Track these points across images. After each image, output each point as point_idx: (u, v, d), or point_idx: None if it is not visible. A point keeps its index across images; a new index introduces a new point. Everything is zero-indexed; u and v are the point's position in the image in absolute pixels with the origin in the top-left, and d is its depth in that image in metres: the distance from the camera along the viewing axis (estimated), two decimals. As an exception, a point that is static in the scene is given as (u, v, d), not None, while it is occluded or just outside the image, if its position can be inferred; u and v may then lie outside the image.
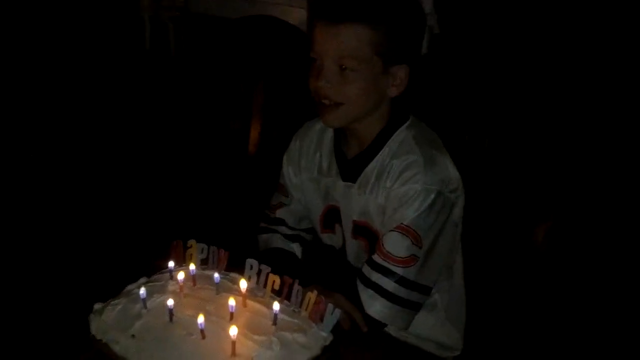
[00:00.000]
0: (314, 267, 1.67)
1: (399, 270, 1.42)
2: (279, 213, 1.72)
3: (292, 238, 1.71)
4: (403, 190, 1.44)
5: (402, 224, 1.43)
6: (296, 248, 1.70)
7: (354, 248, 1.59)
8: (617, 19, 1.97)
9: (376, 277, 1.43)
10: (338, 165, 1.57)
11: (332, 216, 1.61)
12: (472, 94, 2.11)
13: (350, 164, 1.54)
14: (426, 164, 1.44)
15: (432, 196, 1.43)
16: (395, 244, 1.43)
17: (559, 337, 1.62)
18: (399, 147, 1.49)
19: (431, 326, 1.56)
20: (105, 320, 1.26)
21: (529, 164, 1.70)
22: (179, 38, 2.96)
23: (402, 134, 1.51)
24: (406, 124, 1.52)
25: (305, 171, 1.64)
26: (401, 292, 1.43)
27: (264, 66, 2.41)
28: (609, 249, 1.67)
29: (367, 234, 1.54)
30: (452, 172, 1.48)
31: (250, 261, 1.34)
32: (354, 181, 1.53)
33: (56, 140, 2.66)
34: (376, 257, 1.44)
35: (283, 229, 1.71)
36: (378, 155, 1.50)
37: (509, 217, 1.65)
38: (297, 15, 2.62)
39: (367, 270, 1.45)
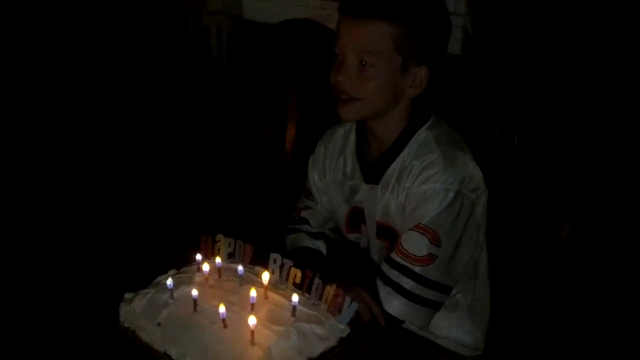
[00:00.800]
0: (338, 264, 1.70)
1: (417, 269, 1.44)
2: (304, 214, 1.76)
3: (316, 236, 1.74)
4: (422, 189, 1.46)
5: (420, 223, 1.44)
6: (321, 245, 1.73)
7: (377, 248, 1.61)
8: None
9: (394, 275, 1.46)
10: (361, 168, 1.60)
11: (357, 217, 1.64)
12: (504, 93, 2.11)
13: (373, 167, 1.57)
14: (445, 163, 1.45)
15: (451, 195, 1.44)
16: (414, 243, 1.45)
17: (581, 336, 1.61)
18: (420, 148, 1.50)
19: (453, 325, 1.56)
20: (134, 309, 1.32)
21: (556, 162, 1.70)
22: (220, 42, 3.01)
23: (422, 135, 1.52)
24: (427, 125, 1.53)
25: (330, 174, 1.67)
26: (419, 290, 1.45)
27: (301, 69, 2.45)
28: (631, 247, 1.65)
29: (389, 235, 1.56)
30: (473, 170, 1.48)
31: (274, 255, 1.38)
32: (377, 183, 1.55)
33: (99, 138, 2.75)
34: (395, 256, 1.47)
35: (307, 227, 1.75)
36: (399, 157, 1.52)
37: (536, 213, 1.65)
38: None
39: (386, 268, 1.48)
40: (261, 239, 1.45)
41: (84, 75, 2.82)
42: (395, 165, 1.52)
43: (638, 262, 1.66)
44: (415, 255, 1.44)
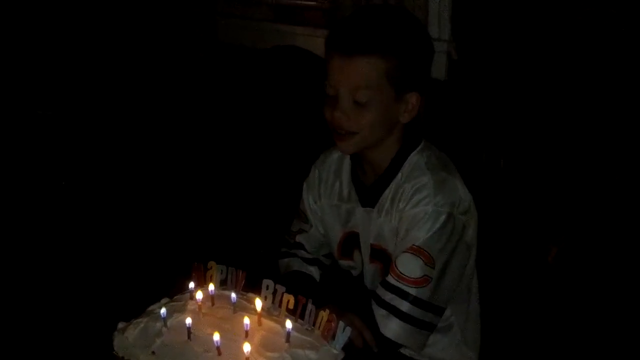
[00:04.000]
0: (331, 290, 1.70)
1: (412, 291, 1.45)
2: (299, 238, 1.76)
3: (310, 262, 1.75)
4: (414, 212, 1.48)
5: (414, 245, 1.46)
6: (315, 271, 1.74)
7: (370, 273, 1.63)
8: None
9: (390, 298, 1.47)
10: (357, 192, 1.61)
11: (351, 242, 1.65)
12: (489, 117, 2.14)
13: (369, 190, 1.59)
14: (436, 187, 1.48)
15: (443, 217, 1.46)
16: (408, 265, 1.46)
17: (571, 354, 1.62)
18: (412, 171, 1.53)
19: (446, 347, 1.58)
20: (128, 338, 1.32)
21: (542, 184, 1.72)
22: (207, 67, 3.04)
23: (414, 158, 1.55)
24: (418, 148, 1.56)
25: (325, 198, 1.69)
26: (415, 312, 1.46)
27: (289, 95, 2.48)
28: (618, 266, 1.67)
29: (383, 257, 1.57)
30: (463, 194, 1.51)
31: (266, 281, 1.39)
32: (372, 206, 1.57)
33: (90, 167, 2.75)
34: (390, 278, 1.48)
35: (302, 252, 1.76)
36: (393, 181, 1.55)
37: (523, 235, 1.67)
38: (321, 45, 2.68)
39: (381, 291, 1.49)
40: (253, 265, 1.46)
41: (83, 86, 2.83)
42: (390, 189, 1.54)
43: (624, 280, 1.68)
44: (410, 277, 1.45)
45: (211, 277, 1.45)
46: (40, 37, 2.87)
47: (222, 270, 1.45)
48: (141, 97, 2.95)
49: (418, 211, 1.47)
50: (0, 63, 2.78)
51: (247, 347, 1.22)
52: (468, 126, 2.24)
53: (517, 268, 1.64)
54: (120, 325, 1.36)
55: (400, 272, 1.46)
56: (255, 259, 1.43)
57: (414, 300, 1.46)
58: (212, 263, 1.46)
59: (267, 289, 1.38)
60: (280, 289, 1.37)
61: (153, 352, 1.28)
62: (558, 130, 1.97)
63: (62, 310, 1.46)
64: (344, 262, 1.68)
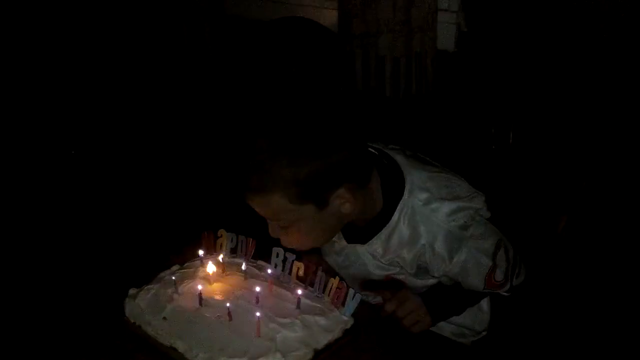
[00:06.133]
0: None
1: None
2: None
3: None
4: (458, 267, 1.40)
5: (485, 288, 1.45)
6: None
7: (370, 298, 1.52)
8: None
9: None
10: (342, 230, 1.46)
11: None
12: (498, 90, 2.13)
13: (358, 231, 1.45)
14: (453, 230, 1.38)
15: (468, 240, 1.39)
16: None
17: (578, 323, 1.64)
18: (418, 225, 1.39)
19: (469, 314, 1.57)
20: (139, 304, 1.33)
21: (551, 158, 1.73)
22: (214, 39, 3.03)
23: (408, 208, 1.39)
24: (405, 195, 1.39)
25: None
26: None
27: (296, 67, 2.47)
28: (623, 238, 1.68)
29: (389, 284, 1.48)
30: (475, 199, 1.42)
31: (276, 249, 1.40)
32: (363, 242, 1.45)
33: (100, 136, 2.76)
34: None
35: None
36: (387, 230, 1.41)
37: (532, 207, 1.68)
38: (328, 16, 2.67)
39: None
40: (263, 233, 1.46)
41: (87, 76, 2.84)
42: (383, 233, 1.42)
43: (634, 254, 1.69)
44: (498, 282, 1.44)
45: (221, 245, 1.46)
46: (47, 20, 2.87)
47: (232, 239, 1.46)
48: (147, 72, 2.94)
49: (460, 263, 1.39)
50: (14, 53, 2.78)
51: (258, 313, 1.23)
52: (477, 99, 2.24)
53: (526, 241, 1.64)
54: (132, 291, 1.37)
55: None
56: (265, 228, 1.43)
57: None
58: (222, 231, 1.47)
59: (277, 256, 1.40)
60: (290, 257, 1.38)
61: (164, 318, 1.29)
62: (567, 103, 1.96)
63: (74, 277, 1.47)
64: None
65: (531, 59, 2.13)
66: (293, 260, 1.38)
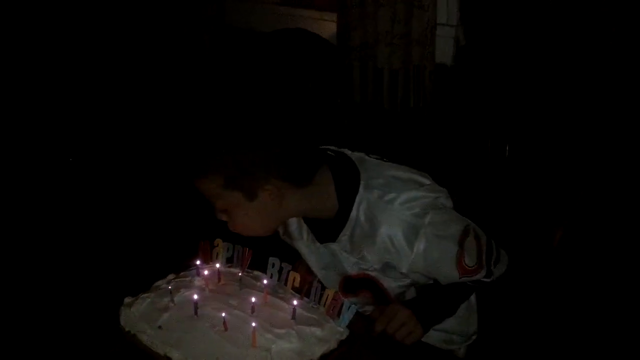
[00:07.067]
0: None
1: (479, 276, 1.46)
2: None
3: None
4: (420, 256, 1.40)
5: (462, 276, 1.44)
6: None
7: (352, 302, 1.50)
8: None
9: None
10: (313, 232, 1.51)
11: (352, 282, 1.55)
12: (495, 103, 2.14)
13: (326, 229, 1.48)
14: (411, 215, 1.39)
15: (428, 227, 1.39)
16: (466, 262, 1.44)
17: (574, 335, 1.64)
18: (376, 217, 1.41)
19: (451, 319, 1.56)
20: (134, 313, 1.33)
21: (547, 171, 1.73)
22: (214, 50, 3.05)
23: (364, 202, 1.42)
24: (361, 190, 1.42)
25: (281, 235, 1.61)
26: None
27: (296, 78, 2.48)
28: (619, 250, 1.69)
29: (369, 285, 1.50)
30: (430, 188, 1.44)
31: (272, 259, 1.40)
32: (333, 240, 1.48)
33: (98, 144, 2.77)
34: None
35: None
36: (349, 226, 1.43)
37: (527, 220, 1.68)
38: (327, 28, 2.69)
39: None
40: (259, 243, 1.47)
41: (88, 83, 2.85)
42: (347, 229, 1.44)
43: (625, 263, 1.69)
44: (470, 267, 1.44)
45: (217, 254, 1.47)
46: (49, 21, 2.88)
47: (228, 248, 1.47)
48: (147, 82, 2.95)
49: (420, 252, 1.40)
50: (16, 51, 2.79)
51: (253, 323, 1.23)
52: (474, 113, 2.24)
53: (520, 250, 1.65)
54: (127, 300, 1.37)
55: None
56: (261, 238, 1.43)
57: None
58: (218, 240, 1.47)
59: (273, 266, 1.40)
60: (286, 267, 1.39)
61: (160, 327, 1.29)
62: (563, 118, 1.97)
63: (70, 285, 1.47)
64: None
65: (528, 72, 2.14)
66: (289, 271, 1.38)
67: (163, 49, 3.05)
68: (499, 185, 1.81)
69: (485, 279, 1.47)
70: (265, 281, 1.38)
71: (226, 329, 1.26)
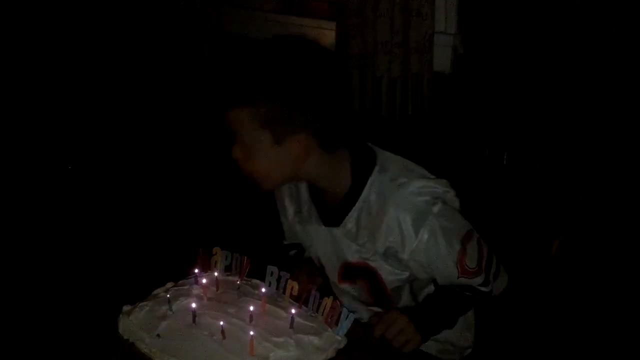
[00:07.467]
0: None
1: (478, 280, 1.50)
2: (286, 240, 1.75)
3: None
4: (421, 246, 1.44)
5: (460, 276, 1.47)
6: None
7: (349, 291, 1.58)
8: None
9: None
10: (318, 212, 1.55)
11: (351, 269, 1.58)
12: (493, 112, 2.15)
13: (332, 211, 1.52)
14: (414, 210, 1.44)
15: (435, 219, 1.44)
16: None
17: (568, 339, 1.64)
18: (379, 200, 1.46)
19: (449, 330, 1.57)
20: (133, 321, 1.33)
21: (545, 180, 1.74)
22: (213, 58, 3.05)
23: (377, 183, 1.47)
24: (376, 172, 1.48)
25: (291, 216, 1.64)
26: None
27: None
28: (617, 259, 1.69)
29: (366, 274, 1.53)
30: (439, 184, 1.48)
31: (270, 268, 1.41)
32: (337, 225, 1.51)
33: (96, 153, 2.77)
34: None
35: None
36: (356, 204, 1.48)
37: (525, 229, 1.69)
38: (326, 37, 2.69)
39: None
40: (258, 251, 1.47)
41: (87, 92, 2.85)
42: (354, 211, 1.48)
43: (623, 272, 1.69)
44: (470, 268, 1.47)
45: (216, 262, 1.47)
46: (46, 28, 2.89)
47: (227, 256, 1.47)
48: (146, 88, 2.96)
49: (422, 243, 1.44)
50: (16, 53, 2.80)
51: (251, 331, 1.24)
52: (472, 121, 2.25)
53: (518, 258, 1.65)
54: (126, 308, 1.37)
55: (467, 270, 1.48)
56: (259, 246, 1.44)
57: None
58: (217, 249, 1.47)
59: (272, 275, 1.40)
60: (284, 275, 1.39)
61: (158, 335, 1.29)
62: (562, 126, 1.98)
63: (69, 293, 1.48)
64: (345, 286, 1.60)
65: (526, 80, 2.15)
66: (287, 279, 1.38)
67: (164, 56, 3.06)
68: (496, 193, 1.82)
69: (483, 288, 1.49)
70: (263, 289, 1.38)
71: (224, 338, 1.26)
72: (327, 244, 1.55)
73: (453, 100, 2.35)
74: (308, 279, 1.54)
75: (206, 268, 1.46)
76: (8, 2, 2.84)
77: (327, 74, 1.42)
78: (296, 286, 1.37)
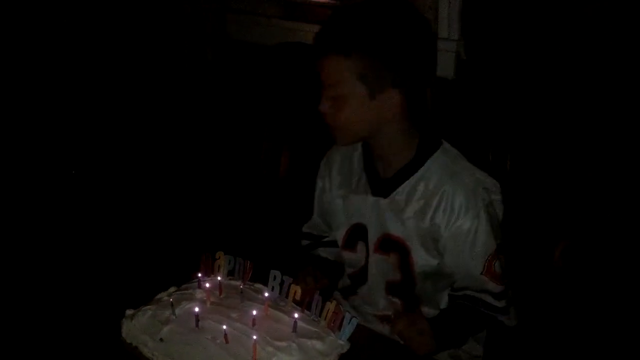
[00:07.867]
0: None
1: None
2: (305, 227, 1.81)
3: (316, 246, 1.79)
4: (461, 230, 1.51)
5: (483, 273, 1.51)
6: (323, 251, 1.78)
7: (376, 263, 1.62)
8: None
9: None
10: (369, 181, 1.61)
11: (356, 234, 1.65)
12: (496, 117, 2.15)
13: (385, 182, 1.58)
14: (469, 189, 1.51)
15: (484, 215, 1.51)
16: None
17: (573, 346, 1.64)
18: (446, 174, 1.53)
19: None
20: (136, 325, 1.33)
21: (549, 185, 1.74)
22: (217, 63, 3.06)
23: (439, 159, 1.55)
24: (440, 150, 1.56)
25: (335, 188, 1.69)
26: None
27: (296, 92, 2.49)
28: (622, 265, 1.68)
29: (397, 248, 1.57)
30: (486, 179, 1.55)
31: (273, 272, 1.41)
32: (385, 197, 1.57)
33: (99, 157, 2.78)
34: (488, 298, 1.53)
35: (305, 241, 1.81)
36: (412, 177, 1.55)
37: (530, 234, 1.69)
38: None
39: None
40: (261, 256, 1.47)
41: (88, 96, 2.86)
42: (407, 184, 1.55)
43: (627, 278, 1.69)
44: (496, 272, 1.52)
45: (219, 267, 1.47)
46: (48, 31, 2.89)
47: (230, 261, 1.47)
48: (150, 93, 2.97)
49: (461, 227, 1.51)
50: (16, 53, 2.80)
51: (254, 336, 1.24)
52: (475, 126, 2.25)
53: (524, 267, 1.65)
54: (129, 312, 1.38)
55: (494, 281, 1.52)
56: (263, 250, 1.44)
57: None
58: (220, 253, 1.48)
59: (275, 279, 1.40)
60: (287, 280, 1.39)
61: (161, 339, 1.30)
62: (565, 130, 1.98)
63: (72, 297, 1.48)
64: (346, 254, 1.69)
65: (529, 86, 2.15)
66: (290, 284, 1.38)
67: (167, 61, 3.06)
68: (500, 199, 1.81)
69: (496, 302, 1.51)
70: (266, 294, 1.38)
71: (227, 342, 1.26)
72: (372, 214, 1.59)
73: (456, 106, 2.35)
74: (314, 281, 1.55)
75: (209, 272, 1.47)
76: (14, 7, 2.85)
77: (422, 38, 1.50)
78: (299, 290, 1.37)
